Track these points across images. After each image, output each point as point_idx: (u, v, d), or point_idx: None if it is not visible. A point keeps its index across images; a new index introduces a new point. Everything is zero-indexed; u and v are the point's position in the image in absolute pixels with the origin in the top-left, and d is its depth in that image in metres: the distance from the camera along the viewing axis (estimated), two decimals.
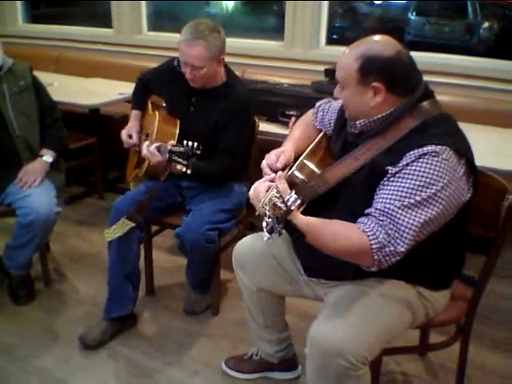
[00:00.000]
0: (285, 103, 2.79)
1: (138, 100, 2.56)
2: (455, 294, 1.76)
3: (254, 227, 3.06)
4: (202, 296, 2.53)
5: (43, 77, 2.69)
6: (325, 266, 1.62)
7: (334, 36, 3.83)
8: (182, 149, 1.99)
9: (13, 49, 2.54)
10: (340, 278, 1.61)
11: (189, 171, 1.99)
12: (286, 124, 2.77)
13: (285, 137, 2.59)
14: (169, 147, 2.02)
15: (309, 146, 1.73)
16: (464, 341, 1.88)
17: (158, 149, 2.08)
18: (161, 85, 2.44)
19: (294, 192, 1.32)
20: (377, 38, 1.47)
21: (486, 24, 7.38)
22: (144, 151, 2.14)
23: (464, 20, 7.46)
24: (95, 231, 3.30)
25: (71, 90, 3.58)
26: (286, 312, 2.04)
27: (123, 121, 2.64)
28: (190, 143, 1.99)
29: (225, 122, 2.24)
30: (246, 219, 2.65)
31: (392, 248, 1.35)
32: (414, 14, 7.72)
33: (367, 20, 8.07)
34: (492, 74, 3.17)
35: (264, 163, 1.69)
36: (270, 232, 1.26)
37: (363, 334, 1.45)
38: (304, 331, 2.19)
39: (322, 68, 3.14)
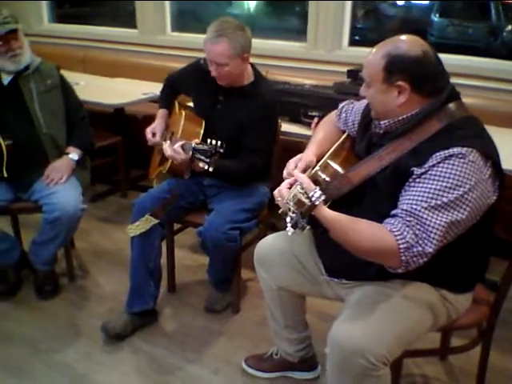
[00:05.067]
0: (307, 104, 2.80)
1: (165, 99, 2.60)
2: (478, 298, 1.75)
3: (276, 227, 3.07)
4: (222, 294, 2.56)
5: (69, 76, 2.74)
6: (347, 266, 1.62)
7: (356, 37, 3.82)
8: (205, 147, 2.01)
9: (38, 48, 2.59)
10: (362, 278, 1.62)
11: (211, 169, 2.01)
12: (308, 125, 2.78)
13: (307, 137, 2.64)
14: (193, 145, 2.04)
15: (332, 147, 1.74)
16: (485, 345, 1.87)
17: (183, 147, 2.11)
18: (188, 84, 2.47)
19: (318, 188, 1.33)
20: (404, 37, 1.48)
21: (510, 27, 7.29)
22: (168, 151, 2.16)
23: (487, 22, 7.38)
24: (118, 229, 3.34)
25: (96, 90, 3.64)
26: (305, 312, 2.05)
27: (147, 120, 2.67)
28: (213, 142, 2.01)
29: (251, 122, 2.25)
30: (268, 219, 2.66)
31: (420, 248, 1.35)
32: (437, 15, 7.65)
33: (389, 21, 8.02)
34: (510, 76, 3.14)
35: (284, 172, 1.70)
36: (294, 227, 1.28)
37: (384, 335, 1.46)
38: (323, 331, 2.20)
39: (344, 69, 3.14)
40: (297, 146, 2.11)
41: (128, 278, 2.39)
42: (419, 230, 1.36)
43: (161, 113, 2.57)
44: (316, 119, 2.72)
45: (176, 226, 2.68)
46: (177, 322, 2.51)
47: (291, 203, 1.30)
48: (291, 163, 1.71)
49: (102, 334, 2.35)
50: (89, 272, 2.90)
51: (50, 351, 2.30)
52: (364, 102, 1.74)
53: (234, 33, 2.13)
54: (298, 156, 1.75)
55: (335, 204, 1.48)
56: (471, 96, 3.01)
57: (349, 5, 3.58)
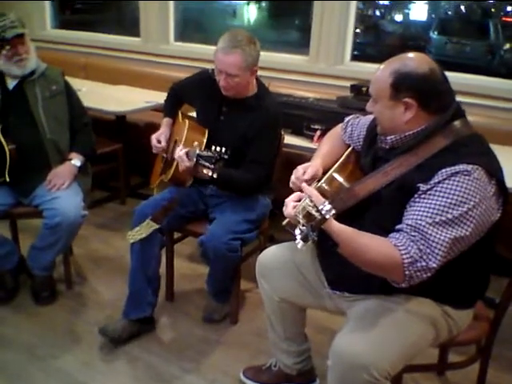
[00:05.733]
0: (310, 117, 2.82)
1: (170, 108, 2.61)
2: (478, 315, 1.77)
3: (274, 239, 3.08)
4: (221, 305, 2.55)
5: (71, 82, 2.74)
6: (350, 279, 1.63)
7: (355, 52, 3.85)
8: (209, 153, 2.02)
9: (40, 53, 2.60)
10: (365, 291, 1.62)
11: (215, 175, 2.01)
12: (310, 137, 2.80)
13: (309, 150, 2.66)
14: (197, 151, 2.05)
15: (337, 160, 1.75)
16: (483, 361, 1.88)
17: (187, 154, 2.12)
18: (193, 94, 2.49)
19: (328, 202, 1.34)
20: (411, 55, 1.50)
21: (508, 45, 7.38)
22: (176, 155, 2.18)
23: (485, 40, 7.47)
24: (116, 236, 3.34)
25: (98, 97, 3.65)
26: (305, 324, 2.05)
27: (148, 128, 2.69)
28: (217, 148, 2.02)
29: (254, 134, 2.27)
30: (268, 231, 2.67)
31: (424, 263, 1.36)
32: (436, 32, 7.73)
33: (389, 37, 8.11)
34: (510, 95, 3.18)
35: (292, 177, 1.72)
36: (304, 240, 1.28)
37: (387, 349, 1.46)
38: (321, 344, 2.22)
39: (346, 83, 3.17)
40: (298, 159, 2.12)
41: (126, 284, 2.39)
42: (423, 245, 1.37)
43: (165, 121, 2.58)
44: (319, 132, 2.74)
45: (175, 236, 2.68)
46: (174, 331, 2.50)
47: (300, 216, 1.31)
48: (299, 169, 1.73)
49: (100, 342, 2.35)
50: (87, 279, 2.89)
51: (47, 358, 2.28)
52: (370, 117, 1.76)
53: (248, 45, 2.16)
54: (308, 163, 1.76)
55: (338, 217, 1.49)
56: (472, 114, 3.04)
57: (352, 20, 3.62)
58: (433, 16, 7.84)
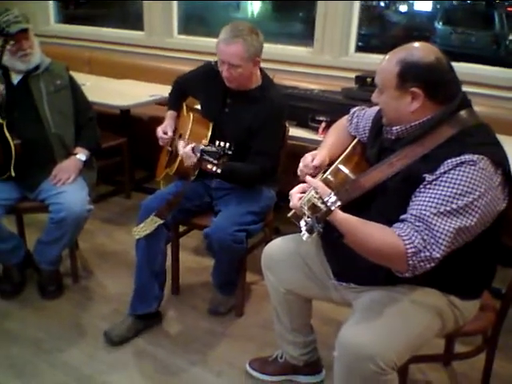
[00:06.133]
0: (315, 109, 2.81)
1: (174, 101, 2.61)
2: (485, 305, 1.76)
3: (279, 231, 3.08)
4: (227, 297, 2.56)
5: (75, 77, 2.74)
6: (355, 270, 1.63)
7: (360, 43, 3.83)
8: (213, 148, 2.02)
9: (44, 48, 2.59)
10: (371, 283, 1.62)
11: (219, 170, 2.02)
12: (315, 129, 2.79)
13: (314, 142, 2.65)
14: (201, 147, 2.05)
15: (343, 152, 1.74)
16: (490, 352, 1.88)
17: (193, 150, 2.12)
18: (197, 87, 2.49)
19: (333, 193, 1.34)
20: (417, 44, 1.49)
21: None
22: (181, 151, 2.17)
23: (490, 30, 7.42)
24: (122, 230, 3.35)
25: (102, 91, 3.65)
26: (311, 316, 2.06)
27: (153, 122, 2.69)
28: (222, 143, 2.02)
29: (259, 126, 2.27)
30: (273, 223, 2.67)
31: (428, 253, 1.36)
32: (441, 23, 7.69)
33: (393, 28, 8.06)
34: None
35: (301, 165, 1.71)
36: (310, 231, 1.28)
37: (393, 340, 1.46)
38: (327, 335, 2.23)
39: (351, 75, 3.16)
40: (303, 151, 2.11)
41: (132, 278, 2.40)
42: (427, 235, 1.37)
43: (170, 114, 2.59)
44: (324, 124, 2.73)
45: (181, 229, 2.68)
46: (181, 323, 2.51)
47: (305, 207, 1.31)
48: (308, 156, 1.73)
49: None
50: (93, 273, 2.90)
51: (54, 351, 2.30)
52: (375, 108, 1.75)
53: (249, 35, 2.15)
54: (314, 151, 1.76)
55: (344, 208, 1.49)
56: (477, 104, 3.03)
57: (356, 11, 3.60)
58: (438, 6, 7.78)
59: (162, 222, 2.29)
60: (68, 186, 2.48)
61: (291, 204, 1.51)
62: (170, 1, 4.37)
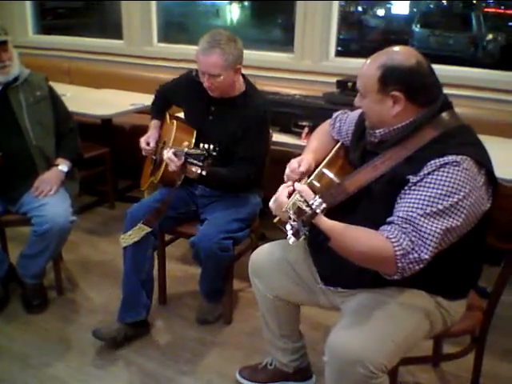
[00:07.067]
0: (297, 114, 2.82)
1: (157, 111, 2.60)
2: (471, 305, 1.77)
3: (265, 237, 3.07)
4: (214, 305, 2.54)
5: (55, 87, 2.72)
6: (342, 274, 1.64)
7: (339, 48, 3.86)
8: (198, 150, 2.02)
9: (23, 59, 2.56)
10: (358, 286, 1.63)
11: (204, 172, 2.01)
12: (298, 134, 2.80)
13: (298, 147, 2.66)
14: (185, 150, 2.04)
15: (326, 156, 1.75)
16: (478, 351, 1.89)
17: (175, 154, 2.10)
18: (180, 95, 2.48)
19: (318, 196, 1.34)
20: (397, 48, 1.51)
21: (490, 36, 7.43)
22: (165, 157, 2.16)
23: (468, 32, 7.52)
24: (106, 240, 3.31)
25: (83, 101, 3.62)
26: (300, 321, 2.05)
27: (135, 131, 2.67)
28: (206, 145, 2.01)
29: (244, 132, 2.26)
30: (259, 229, 2.66)
31: (416, 255, 1.36)
32: (418, 26, 7.77)
33: (371, 32, 8.13)
34: (496, 86, 3.21)
35: (287, 171, 1.71)
36: (296, 235, 1.28)
37: (383, 343, 1.47)
38: (316, 341, 2.22)
39: (331, 79, 3.17)
40: (287, 156, 2.11)
41: (118, 289, 2.38)
42: (415, 236, 1.37)
43: (153, 124, 2.57)
44: (307, 129, 2.74)
45: (166, 238, 2.66)
46: (169, 333, 2.49)
47: (291, 211, 1.31)
48: (294, 162, 1.72)
49: (94, 347, 2.33)
50: (78, 285, 2.86)
51: (41, 366, 2.26)
52: (357, 112, 1.76)
53: (227, 44, 2.15)
54: (300, 157, 1.76)
55: (328, 212, 1.49)
56: (458, 105, 3.06)
57: (335, 16, 3.62)
58: (414, 10, 7.87)
59: (149, 230, 2.27)
60: (50, 197, 2.45)
61: (275, 210, 1.51)
62: (148, 9, 4.35)
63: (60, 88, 3.05)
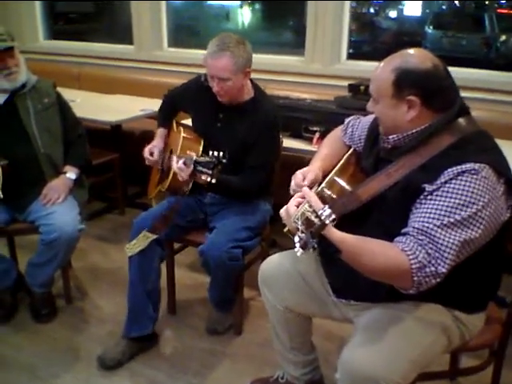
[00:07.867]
0: (308, 119, 2.77)
1: (164, 118, 2.56)
2: (490, 317, 1.70)
3: (277, 244, 3.02)
4: (224, 315, 2.49)
5: (65, 93, 2.70)
6: (355, 286, 1.57)
7: (351, 50, 3.80)
8: (207, 158, 1.97)
9: (33, 65, 2.55)
10: (372, 300, 1.57)
11: (213, 180, 1.96)
12: (309, 140, 2.74)
13: (309, 152, 2.60)
14: (194, 158, 2.00)
15: (338, 163, 1.69)
16: (497, 364, 1.82)
17: (185, 163, 2.06)
18: (188, 101, 2.43)
19: (327, 206, 1.28)
20: (412, 51, 1.44)
21: (504, 37, 7.33)
22: (174, 166, 2.11)
23: (481, 33, 7.42)
24: (116, 247, 3.28)
25: (93, 107, 3.61)
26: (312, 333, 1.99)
27: (145, 137, 2.64)
28: (215, 153, 1.96)
29: (254, 139, 2.22)
30: (270, 236, 2.61)
31: (433, 268, 1.30)
32: (431, 27, 7.69)
33: (384, 34, 8.06)
34: (510, 88, 3.14)
35: (292, 184, 1.66)
36: (304, 247, 1.22)
37: (397, 360, 1.40)
38: (329, 352, 2.16)
39: (343, 83, 3.12)
40: (297, 162, 2.06)
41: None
42: (432, 249, 1.31)
43: (160, 132, 2.53)
44: (318, 134, 2.68)
45: (175, 246, 2.61)
46: (178, 344, 2.44)
47: (299, 222, 1.25)
48: (298, 174, 1.66)
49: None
50: (87, 293, 2.83)
51: (49, 377, 2.22)
52: (371, 117, 1.70)
53: (236, 47, 2.10)
54: (306, 168, 1.70)
55: (339, 222, 1.43)
56: (471, 108, 2.99)
57: (346, 18, 3.57)
58: (427, 11, 7.79)
59: (154, 237, 2.23)
60: (58, 205, 2.42)
61: (284, 218, 1.46)
62: (158, 13, 4.33)
63: (70, 94, 3.04)
